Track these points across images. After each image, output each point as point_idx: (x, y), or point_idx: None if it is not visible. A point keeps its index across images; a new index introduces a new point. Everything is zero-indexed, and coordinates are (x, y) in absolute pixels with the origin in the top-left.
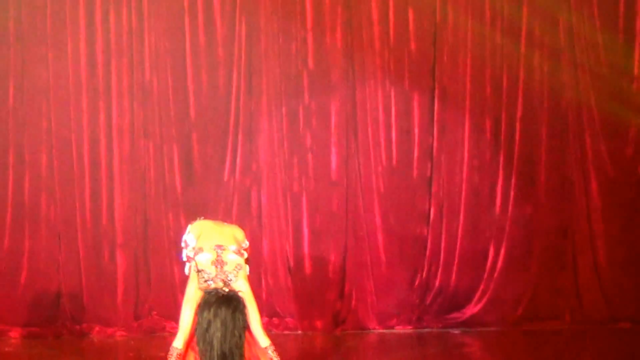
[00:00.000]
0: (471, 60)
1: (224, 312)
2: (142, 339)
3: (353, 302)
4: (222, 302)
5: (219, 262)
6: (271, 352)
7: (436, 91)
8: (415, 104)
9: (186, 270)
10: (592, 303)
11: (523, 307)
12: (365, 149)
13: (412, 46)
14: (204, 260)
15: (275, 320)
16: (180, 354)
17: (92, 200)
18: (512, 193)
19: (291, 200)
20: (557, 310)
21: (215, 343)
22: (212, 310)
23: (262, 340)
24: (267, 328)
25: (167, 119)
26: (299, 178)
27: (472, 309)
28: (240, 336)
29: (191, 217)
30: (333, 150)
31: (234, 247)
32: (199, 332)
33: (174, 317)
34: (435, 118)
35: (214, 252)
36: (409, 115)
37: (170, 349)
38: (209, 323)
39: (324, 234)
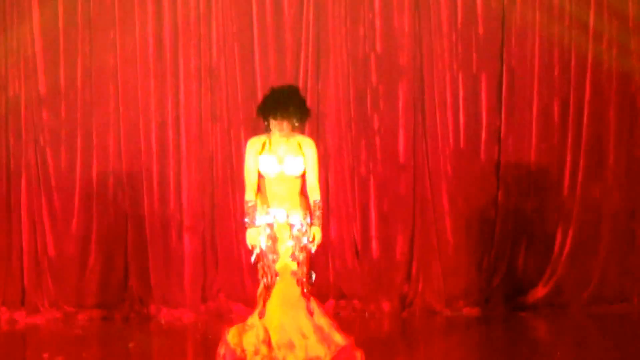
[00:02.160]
0: (539, 42)
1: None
2: (209, 321)
3: (420, 285)
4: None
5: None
6: (314, 206)
7: (504, 74)
8: (483, 87)
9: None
10: None
11: (591, 290)
12: (433, 131)
13: (480, 29)
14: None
15: (342, 302)
16: (251, 201)
17: (159, 183)
18: (580, 175)
19: (359, 182)
20: (625, 293)
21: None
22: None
23: (315, 193)
24: (335, 310)
25: (234, 103)
26: (366, 161)
27: (539, 292)
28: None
29: None
30: (401, 132)
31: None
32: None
33: (242, 299)
34: (503, 100)
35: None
36: (476, 98)
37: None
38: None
39: (392, 217)
